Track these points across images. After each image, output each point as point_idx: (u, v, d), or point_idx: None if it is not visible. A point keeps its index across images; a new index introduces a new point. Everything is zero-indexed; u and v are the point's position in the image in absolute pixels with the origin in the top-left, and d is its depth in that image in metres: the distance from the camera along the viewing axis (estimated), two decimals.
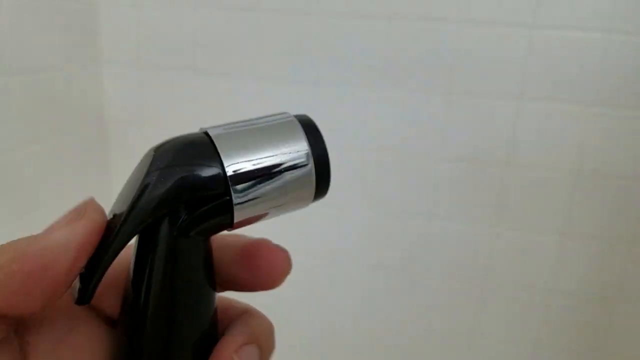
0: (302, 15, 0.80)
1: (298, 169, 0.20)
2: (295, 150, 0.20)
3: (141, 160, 0.21)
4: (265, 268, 0.23)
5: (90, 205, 0.19)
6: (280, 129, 0.21)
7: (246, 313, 0.24)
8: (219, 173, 0.19)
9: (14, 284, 0.17)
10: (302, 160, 0.21)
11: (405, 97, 0.81)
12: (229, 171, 0.19)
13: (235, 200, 0.19)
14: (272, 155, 0.20)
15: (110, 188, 0.96)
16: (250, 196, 0.20)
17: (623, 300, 0.83)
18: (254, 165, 0.19)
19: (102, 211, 0.19)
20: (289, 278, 0.86)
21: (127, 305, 0.20)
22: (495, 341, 0.90)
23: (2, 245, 0.18)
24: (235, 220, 0.20)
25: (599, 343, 0.86)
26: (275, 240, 0.86)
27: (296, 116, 0.22)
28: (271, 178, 0.20)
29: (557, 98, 0.76)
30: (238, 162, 0.19)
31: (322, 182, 0.22)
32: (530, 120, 0.78)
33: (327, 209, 0.88)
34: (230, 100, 0.86)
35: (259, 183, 0.20)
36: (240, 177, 0.19)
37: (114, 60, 0.89)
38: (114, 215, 0.19)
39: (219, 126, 0.21)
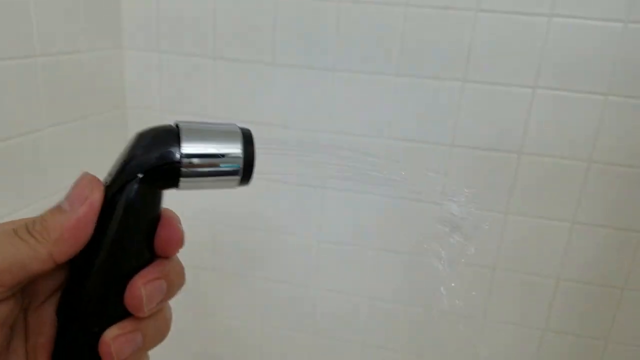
0: (319, 1, 0.81)
1: (231, 161, 0.29)
2: (232, 148, 0.30)
3: (130, 139, 0.30)
4: (163, 239, 0.29)
5: (93, 184, 0.27)
6: (226, 133, 0.30)
7: (160, 258, 0.30)
8: (176, 151, 0.28)
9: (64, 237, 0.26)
10: (235, 156, 0.30)
11: (421, 84, 0.81)
12: (183, 150, 0.28)
13: (182, 171, 0.28)
14: (215, 148, 0.29)
15: None
16: (193, 170, 0.28)
17: (631, 287, 0.84)
18: (201, 151, 0.29)
19: (100, 184, 0.28)
20: (302, 263, 0.87)
21: (88, 246, 0.27)
22: (504, 325, 0.91)
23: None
24: (180, 184, 0.29)
25: (605, 329, 0.87)
26: (286, 224, 0.87)
27: (240, 127, 0.31)
28: (210, 163, 0.29)
29: (572, 87, 0.77)
30: (191, 146, 0.28)
31: (246, 175, 0.31)
32: (544, 109, 0.78)
33: (340, 194, 0.90)
34: (249, 85, 0.88)
35: (201, 163, 0.29)
36: (190, 155, 0.28)
37: (135, 46, 0.91)
38: (109, 174, 0.29)
39: (188, 122, 0.30)
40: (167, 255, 0.29)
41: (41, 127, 0.75)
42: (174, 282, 0.30)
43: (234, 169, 0.30)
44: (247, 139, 0.31)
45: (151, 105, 0.94)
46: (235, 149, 0.30)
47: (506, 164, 0.82)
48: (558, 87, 0.77)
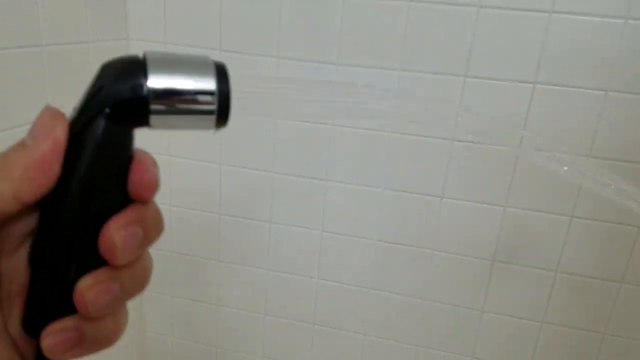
0: None
1: (204, 97, 0.27)
2: (205, 82, 0.27)
3: (96, 71, 0.27)
4: (135, 181, 0.27)
5: (57, 118, 0.25)
6: (200, 65, 0.27)
7: (137, 203, 0.27)
8: (144, 84, 0.25)
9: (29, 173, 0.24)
10: (209, 90, 0.27)
11: (422, 79, 0.82)
12: (150, 83, 0.25)
13: (151, 107, 0.26)
14: (186, 82, 0.26)
15: None
16: (163, 106, 0.26)
17: (628, 281, 0.85)
18: (170, 85, 0.26)
19: (63, 118, 0.26)
20: (305, 253, 0.88)
21: (56, 186, 0.25)
22: (503, 316, 0.92)
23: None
24: (151, 122, 0.26)
25: (603, 322, 0.88)
26: (290, 216, 0.89)
27: (214, 61, 0.28)
28: (182, 97, 0.26)
29: (572, 83, 0.77)
30: (159, 80, 0.26)
31: (222, 114, 0.28)
32: (543, 105, 0.79)
33: (343, 185, 0.91)
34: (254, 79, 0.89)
35: (172, 98, 0.26)
36: (158, 90, 0.26)
37: (141, 39, 0.92)
38: (74, 109, 0.27)
39: (157, 52, 0.27)
40: (141, 200, 0.27)
41: None
42: (151, 228, 0.28)
43: (209, 106, 0.27)
44: (222, 74, 0.28)
45: None
46: (208, 83, 0.27)
47: (506, 158, 0.83)
48: (558, 82, 0.78)
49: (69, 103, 0.78)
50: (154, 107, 0.26)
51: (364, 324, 1.00)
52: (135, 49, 0.92)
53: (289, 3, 0.84)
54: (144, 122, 0.26)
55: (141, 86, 0.25)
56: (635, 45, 0.74)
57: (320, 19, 0.83)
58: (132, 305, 1.07)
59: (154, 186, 0.27)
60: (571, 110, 0.79)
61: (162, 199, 1.01)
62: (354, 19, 0.82)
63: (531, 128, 0.81)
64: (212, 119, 0.28)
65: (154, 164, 0.28)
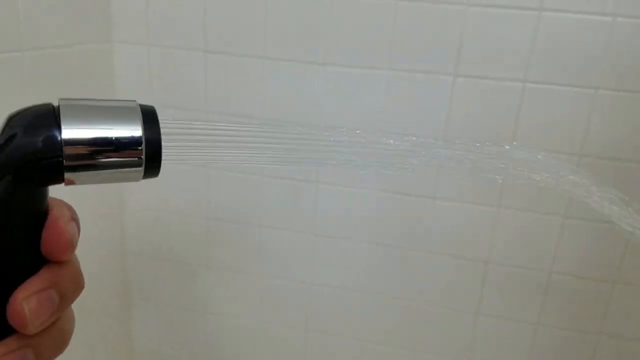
0: None
1: (129, 147, 0.24)
2: (129, 130, 0.24)
3: (2, 123, 0.24)
4: (49, 242, 0.25)
5: None
6: (122, 111, 0.24)
7: (53, 262, 0.25)
8: (56, 136, 0.22)
9: None
10: (134, 140, 0.24)
11: (412, 78, 0.81)
12: (65, 135, 0.22)
13: (65, 162, 0.22)
14: (107, 130, 0.23)
15: None
16: (80, 160, 0.23)
17: (623, 281, 0.84)
18: (87, 135, 0.23)
19: None
20: (295, 257, 0.87)
21: None
22: (497, 319, 0.91)
23: None
24: (67, 180, 0.23)
25: (598, 324, 0.87)
26: (280, 219, 0.87)
27: (141, 105, 0.25)
28: (102, 151, 0.23)
29: (562, 81, 0.77)
30: (74, 130, 0.22)
31: (152, 164, 0.25)
32: (534, 103, 0.78)
33: (333, 188, 0.90)
34: (240, 80, 0.88)
35: (90, 151, 0.23)
36: (73, 142, 0.22)
37: (125, 40, 0.90)
38: None
39: (73, 99, 0.24)
40: (57, 260, 0.25)
41: None
42: (68, 290, 0.25)
43: (135, 158, 0.24)
44: (149, 118, 0.25)
45: (142, 99, 0.92)
46: (133, 130, 0.24)
47: (497, 158, 0.82)
48: (548, 81, 0.77)
49: None
50: (68, 162, 0.23)
51: (357, 329, 0.99)
52: (120, 52, 0.91)
53: (275, 3, 0.83)
54: (58, 179, 0.24)
55: (53, 139, 0.22)
56: (624, 43, 0.73)
57: (307, 18, 0.82)
58: (119, 313, 1.05)
59: (69, 247, 0.25)
60: (561, 109, 0.78)
61: (147, 204, 1.00)
62: (341, 18, 0.81)
63: (521, 127, 0.80)
64: (140, 171, 0.25)
65: (72, 218, 0.26)
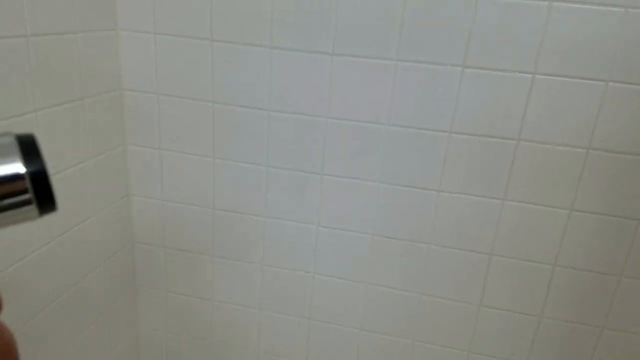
0: None
1: (13, 189, 0.21)
2: (9, 170, 0.21)
3: None
4: None
5: None
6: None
7: None
8: None
9: None
10: (17, 179, 0.21)
11: (420, 69, 0.80)
12: None
13: None
14: None
15: (125, 153, 0.97)
16: None
17: (628, 275, 0.84)
18: None
19: None
20: (300, 248, 0.87)
21: None
22: (501, 310, 0.91)
23: None
24: None
25: (602, 316, 0.87)
26: (285, 210, 0.86)
27: (18, 136, 0.22)
28: None
29: (572, 73, 0.76)
30: None
31: (44, 199, 0.22)
32: (543, 95, 0.78)
33: (338, 179, 0.89)
34: (247, 69, 0.87)
35: None
36: None
37: (130, 28, 0.89)
38: None
39: None
40: None
41: (34, 110, 0.74)
42: None
43: (22, 196, 0.21)
44: (29, 149, 0.21)
45: (147, 87, 0.92)
46: (12, 167, 0.20)
47: (504, 151, 0.82)
48: (558, 73, 0.76)
49: (55, 96, 0.76)
50: None
51: (360, 319, 0.99)
52: (125, 40, 0.90)
53: None
54: None
55: None
56: (635, 35, 0.72)
57: (315, 7, 0.81)
58: (126, 300, 1.05)
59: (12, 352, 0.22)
60: (571, 101, 0.77)
61: (153, 194, 1.00)
62: (349, 8, 0.80)
63: (530, 119, 0.79)
64: (33, 209, 0.22)
65: None
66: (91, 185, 0.89)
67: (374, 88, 0.83)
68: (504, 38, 0.76)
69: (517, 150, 0.81)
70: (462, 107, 0.81)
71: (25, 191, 0.21)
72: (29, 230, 0.76)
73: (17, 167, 0.21)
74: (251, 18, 0.84)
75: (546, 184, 0.82)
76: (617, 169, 0.79)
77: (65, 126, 0.81)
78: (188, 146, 0.94)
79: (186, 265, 1.04)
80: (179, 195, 0.98)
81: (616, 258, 0.84)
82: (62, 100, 0.79)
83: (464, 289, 0.92)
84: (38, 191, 0.21)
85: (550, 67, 0.76)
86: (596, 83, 0.75)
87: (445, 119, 0.82)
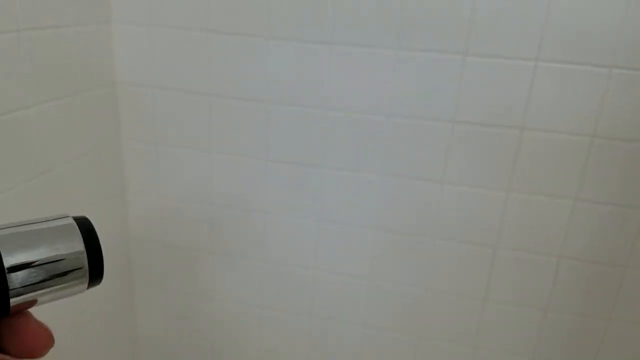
0: None
1: (72, 266, 0.24)
2: (70, 249, 0.24)
3: None
4: (28, 343, 0.24)
5: None
6: (58, 230, 0.24)
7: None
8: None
9: None
10: (77, 259, 0.24)
11: (421, 58, 0.79)
12: (7, 266, 0.22)
13: (12, 295, 0.22)
14: (49, 255, 0.23)
15: (120, 148, 0.96)
16: (26, 290, 0.23)
17: (634, 266, 0.83)
18: (31, 263, 0.22)
19: None
20: (300, 243, 0.85)
21: None
22: (506, 305, 0.90)
23: None
24: (11, 311, 0.23)
25: (608, 309, 0.86)
26: (284, 204, 0.85)
27: (75, 218, 0.25)
28: (47, 274, 0.23)
29: (575, 59, 0.75)
30: (16, 260, 0.22)
31: (95, 276, 0.25)
32: (546, 83, 0.76)
33: (339, 173, 0.88)
34: (242, 59, 0.85)
35: (35, 280, 0.23)
36: (17, 272, 0.22)
37: (124, 20, 0.88)
38: None
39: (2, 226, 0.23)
40: (33, 358, 0.24)
41: (26, 105, 0.72)
42: None
43: (79, 270, 0.24)
44: (87, 230, 0.25)
45: (142, 81, 0.91)
46: (73, 247, 0.24)
47: (508, 140, 0.80)
48: (561, 59, 0.75)
49: (48, 91, 0.74)
50: (14, 294, 0.22)
51: (363, 316, 0.97)
52: (119, 33, 0.89)
53: None
54: (1, 313, 0.23)
55: None
56: (638, 20, 0.71)
57: None
58: (123, 299, 1.04)
59: (50, 341, 0.25)
60: (575, 88, 0.76)
61: (152, 190, 0.99)
62: None
63: (533, 107, 0.78)
64: (84, 282, 0.25)
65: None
66: (85, 181, 0.88)
67: (374, 78, 0.82)
68: (506, 24, 0.75)
69: (521, 139, 0.80)
70: (464, 96, 0.79)
71: (81, 267, 0.24)
72: None
73: (79, 247, 0.24)
74: (247, 8, 0.82)
75: (550, 174, 0.81)
76: (623, 157, 0.78)
77: (59, 122, 0.79)
78: (185, 140, 0.93)
79: (184, 263, 1.02)
80: (175, 191, 0.97)
81: (622, 248, 0.82)
82: (55, 95, 0.77)
83: (468, 283, 0.90)
84: (93, 269, 0.25)
85: (553, 54, 0.75)
86: (600, 69, 0.74)
87: (447, 108, 0.81)
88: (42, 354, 0.25)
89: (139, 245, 1.02)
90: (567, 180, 0.81)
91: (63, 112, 0.80)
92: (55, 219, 0.25)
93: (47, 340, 0.24)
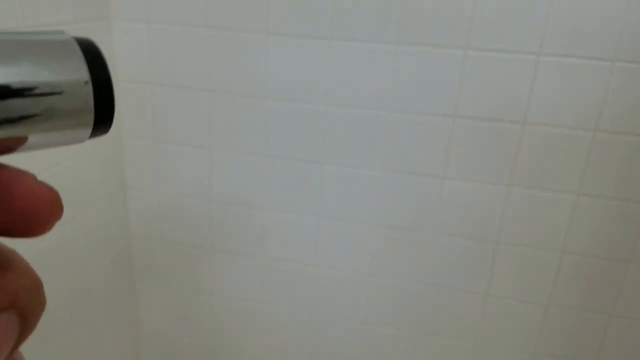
0: None
1: (73, 93, 0.17)
2: (70, 69, 0.17)
3: None
4: (26, 211, 0.17)
5: None
6: (56, 46, 0.17)
7: (1, 267, 0.17)
8: None
9: None
10: (79, 82, 0.17)
11: (422, 52, 0.78)
12: None
13: None
14: (42, 73, 0.16)
15: (120, 145, 0.96)
16: (8, 114, 0.16)
17: (636, 260, 0.82)
18: (17, 79, 0.16)
19: None
20: (301, 240, 0.85)
21: None
22: (507, 300, 0.90)
23: None
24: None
25: (610, 303, 0.86)
26: (284, 201, 0.85)
27: (75, 37, 0.18)
28: (39, 97, 0.16)
29: (577, 53, 0.74)
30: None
31: (102, 118, 0.18)
32: (548, 77, 0.76)
33: (339, 169, 0.88)
34: (242, 55, 0.85)
35: (23, 101, 0.16)
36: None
37: (124, 18, 0.87)
38: None
39: None
40: (33, 235, 0.17)
41: None
42: (29, 307, 0.17)
43: (81, 107, 0.17)
44: (94, 55, 0.18)
45: (142, 78, 0.91)
46: (74, 67, 0.17)
47: (509, 135, 0.80)
48: (563, 53, 0.74)
49: None
50: None
51: (364, 311, 0.97)
52: (119, 29, 0.88)
53: None
54: None
55: None
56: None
57: None
58: (125, 295, 1.03)
59: (56, 206, 0.17)
60: (577, 82, 0.75)
61: (152, 187, 0.99)
62: None
63: (535, 101, 0.77)
64: (88, 125, 0.18)
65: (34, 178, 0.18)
66: (86, 179, 0.88)
67: (374, 73, 0.81)
68: (507, 19, 0.74)
69: (523, 134, 0.79)
70: (465, 90, 0.79)
71: (86, 102, 0.17)
72: None
73: (83, 71, 0.17)
74: (247, 4, 0.82)
75: (552, 169, 0.81)
76: (625, 151, 0.77)
77: None
78: (185, 137, 0.93)
79: (185, 259, 1.02)
80: (176, 188, 0.97)
81: (624, 243, 0.82)
82: None
83: (469, 279, 0.90)
84: (99, 104, 0.18)
85: (554, 48, 0.74)
86: (602, 63, 0.74)
87: (448, 103, 0.80)
88: (43, 230, 0.17)
89: (140, 242, 1.02)
90: (569, 175, 0.80)
91: None
92: (50, 32, 0.18)
93: (51, 208, 0.17)
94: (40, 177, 0.17)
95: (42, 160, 0.76)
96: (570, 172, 0.80)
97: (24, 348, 0.19)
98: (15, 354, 0.18)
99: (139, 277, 1.06)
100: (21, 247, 0.17)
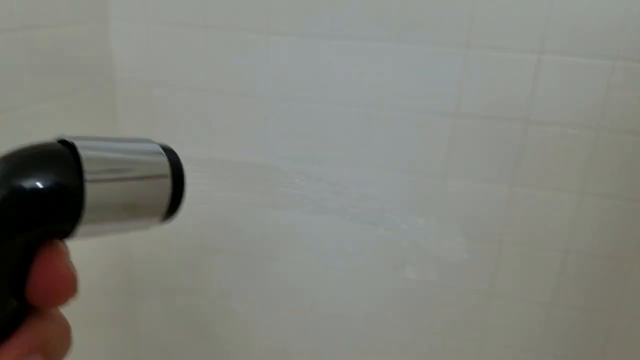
0: None
1: (155, 180, 0.21)
2: (154, 162, 0.21)
3: None
4: (55, 284, 0.20)
5: None
6: (140, 145, 0.21)
7: (36, 314, 0.20)
8: (77, 182, 0.18)
9: None
10: (160, 172, 0.21)
11: (423, 51, 0.78)
12: (87, 179, 0.19)
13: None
14: (131, 167, 0.20)
15: None
16: (102, 204, 0.19)
17: (639, 260, 0.82)
18: (112, 175, 0.19)
19: None
20: (305, 236, 0.83)
21: None
22: (510, 300, 0.89)
23: None
24: (76, 235, 0.20)
25: (614, 303, 0.85)
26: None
27: (160, 144, 0.22)
28: (126, 188, 0.20)
29: (579, 52, 0.74)
30: (97, 171, 0.19)
31: (176, 199, 0.23)
32: (550, 75, 0.75)
33: (340, 168, 0.87)
34: (241, 56, 0.85)
35: (113, 194, 0.19)
36: (97, 184, 0.19)
37: (122, 17, 0.87)
38: None
39: (80, 137, 0.21)
40: (52, 306, 0.20)
41: (24, 104, 0.72)
42: (56, 352, 0.20)
43: (160, 188, 0.21)
44: (169, 150, 0.22)
45: (141, 78, 0.90)
46: (157, 160, 0.21)
47: (512, 134, 0.79)
48: (565, 52, 0.74)
49: (46, 89, 0.73)
50: (90, 204, 0.18)
51: (366, 312, 0.97)
52: (117, 30, 0.88)
53: None
54: (68, 227, 0.19)
55: (74, 179, 0.18)
56: None
57: None
58: (125, 298, 1.03)
59: (72, 286, 0.20)
60: (579, 81, 0.75)
61: None
62: None
63: (537, 100, 0.77)
64: (163, 207, 0.22)
65: (67, 255, 0.21)
66: None
67: (375, 72, 0.81)
68: (509, 17, 0.74)
69: (525, 132, 0.79)
70: (467, 89, 0.78)
71: (165, 191, 0.21)
72: None
73: (164, 166, 0.21)
74: (246, 3, 0.82)
75: (555, 168, 0.80)
76: (628, 150, 0.77)
77: (57, 120, 0.79)
78: (184, 137, 0.92)
79: (187, 262, 1.02)
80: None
81: (628, 242, 0.82)
82: (53, 93, 0.77)
83: (473, 278, 0.90)
84: (175, 195, 0.22)
85: (556, 46, 0.74)
86: (604, 62, 0.73)
87: (450, 101, 0.80)
88: (63, 302, 0.20)
89: (140, 244, 1.02)
90: (572, 174, 0.80)
91: (61, 110, 0.79)
92: (141, 141, 0.22)
93: (73, 285, 0.20)
94: None
95: None
96: (574, 171, 0.80)
97: None
98: None
99: (139, 280, 1.06)
100: None
